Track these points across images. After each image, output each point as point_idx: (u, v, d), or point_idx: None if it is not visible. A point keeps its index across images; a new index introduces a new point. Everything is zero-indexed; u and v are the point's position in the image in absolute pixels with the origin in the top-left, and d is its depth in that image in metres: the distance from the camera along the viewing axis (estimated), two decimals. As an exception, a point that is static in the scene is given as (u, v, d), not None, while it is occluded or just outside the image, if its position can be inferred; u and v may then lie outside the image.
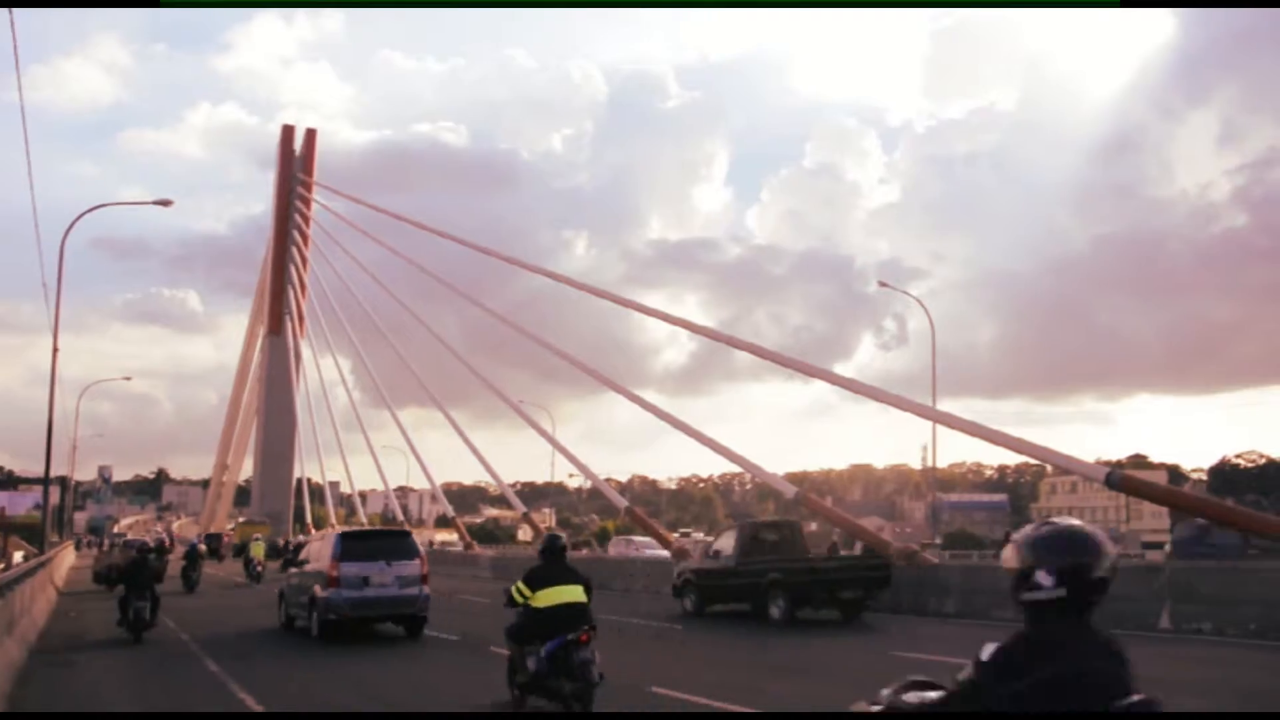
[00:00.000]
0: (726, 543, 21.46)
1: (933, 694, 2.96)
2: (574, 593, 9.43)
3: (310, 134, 79.99)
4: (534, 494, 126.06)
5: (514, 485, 67.48)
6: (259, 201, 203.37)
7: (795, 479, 70.08)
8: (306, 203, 72.35)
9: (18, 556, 35.65)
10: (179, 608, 22.20)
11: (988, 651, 2.72)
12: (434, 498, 79.78)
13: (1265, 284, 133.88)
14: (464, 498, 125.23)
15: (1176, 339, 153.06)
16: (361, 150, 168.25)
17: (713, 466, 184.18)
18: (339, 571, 16.09)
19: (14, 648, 12.73)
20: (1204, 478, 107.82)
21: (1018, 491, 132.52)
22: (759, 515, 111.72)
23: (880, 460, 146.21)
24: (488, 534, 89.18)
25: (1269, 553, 20.61)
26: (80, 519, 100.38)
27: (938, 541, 43.92)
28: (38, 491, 68.79)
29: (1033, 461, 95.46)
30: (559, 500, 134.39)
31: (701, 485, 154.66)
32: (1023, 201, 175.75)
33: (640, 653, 14.75)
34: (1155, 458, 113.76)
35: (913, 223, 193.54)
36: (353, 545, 16.86)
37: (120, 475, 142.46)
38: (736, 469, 68.45)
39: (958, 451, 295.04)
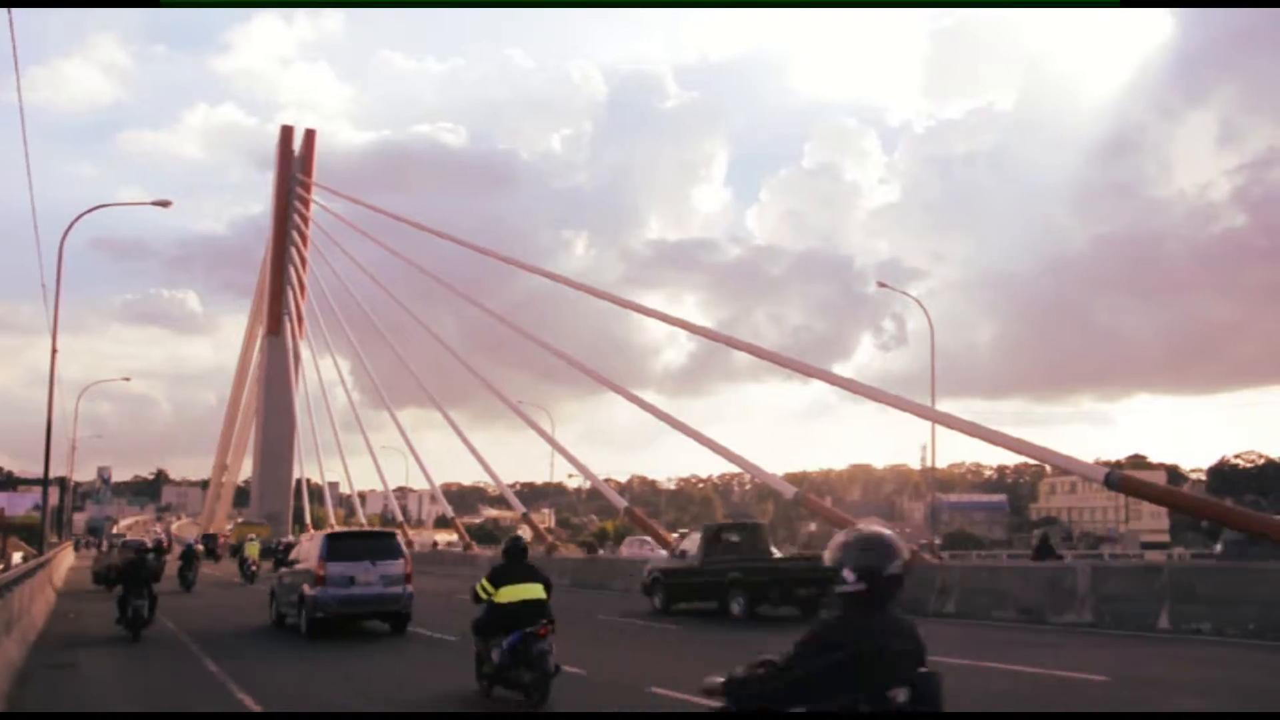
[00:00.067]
0: (692, 543, 22.35)
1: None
2: (534, 590, 10.15)
3: (309, 134, 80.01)
4: (533, 494, 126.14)
5: (513, 486, 67.48)
6: (258, 202, 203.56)
7: (794, 479, 70.27)
8: (305, 203, 72.32)
9: (17, 557, 35.66)
10: (176, 606, 22.55)
11: (807, 632, 3.42)
12: (433, 498, 79.88)
13: (1264, 284, 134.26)
14: (463, 498, 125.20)
15: (1176, 339, 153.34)
16: (361, 150, 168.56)
17: (712, 467, 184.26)
18: (326, 571, 16.68)
19: (13, 648, 12.73)
20: (1203, 478, 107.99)
21: (1017, 492, 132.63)
22: (758, 516, 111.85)
23: (879, 460, 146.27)
24: (487, 534, 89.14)
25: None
26: (79, 520, 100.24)
27: (937, 541, 43.87)
28: (37, 492, 68.79)
29: (1032, 462, 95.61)
30: (558, 500, 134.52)
31: (701, 486, 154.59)
32: (1022, 202, 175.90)
33: (639, 652, 14.75)
34: (1154, 458, 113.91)
35: (912, 223, 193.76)
36: (339, 545, 17.48)
37: (119, 476, 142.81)
38: (736, 469, 68.51)
39: (957, 452, 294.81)
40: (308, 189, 72.72)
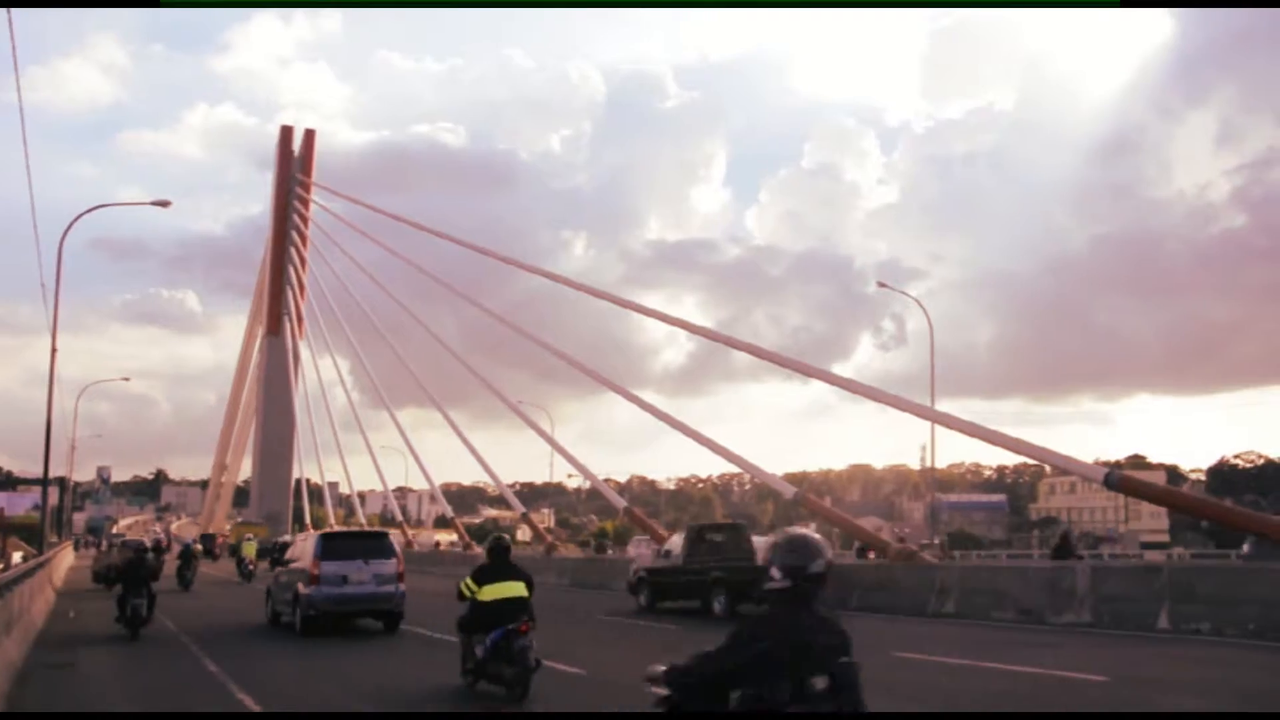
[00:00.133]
0: (676, 543, 22.79)
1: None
2: (516, 588, 10.45)
3: (309, 134, 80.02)
4: (533, 494, 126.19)
5: (513, 486, 67.47)
6: (257, 202, 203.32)
7: (794, 479, 70.18)
8: (305, 203, 72.32)
9: (16, 557, 35.69)
10: (174, 605, 22.68)
11: (737, 626, 3.73)
12: (433, 498, 79.88)
13: (1264, 284, 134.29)
14: (463, 498, 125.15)
15: (1175, 339, 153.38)
16: (360, 150, 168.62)
17: (712, 467, 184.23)
18: (320, 570, 16.88)
19: (13, 648, 12.73)
20: (1203, 478, 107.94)
21: (1016, 492, 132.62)
22: (758, 516, 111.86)
23: (879, 460, 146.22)
24: (487, 534, 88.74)
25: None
26: (79, 519, 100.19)
27: (937, 541, 43.83)
28: (36, 492, 68.78)
29: (1031, 462, 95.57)
30: (558, 500, 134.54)
31: (700, 486, 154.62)
32: (1021, 202, 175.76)
33: (639, 651, 14.72)
34: (1154, 458, 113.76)
35: (911, 223, 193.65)
36: (333, 545, 17.70)
37: (119, 476, 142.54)
38: (735, 469, 68.43)
39: (956, 452, 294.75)
40: (307, 189, 72.73)
